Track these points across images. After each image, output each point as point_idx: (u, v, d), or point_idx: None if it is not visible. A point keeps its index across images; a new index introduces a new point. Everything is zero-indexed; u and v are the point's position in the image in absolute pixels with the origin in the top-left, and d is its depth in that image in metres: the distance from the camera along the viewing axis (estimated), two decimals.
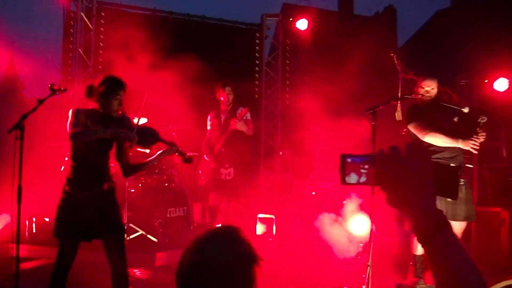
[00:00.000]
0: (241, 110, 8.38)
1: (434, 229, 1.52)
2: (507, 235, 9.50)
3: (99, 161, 5.16)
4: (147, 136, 5.21)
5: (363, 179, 1.66)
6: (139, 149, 5.43)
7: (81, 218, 5.04)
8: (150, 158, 5.33)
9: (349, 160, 1.67)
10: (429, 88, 6.95)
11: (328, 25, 10.38)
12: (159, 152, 5.27)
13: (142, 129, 5.26)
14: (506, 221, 9.54)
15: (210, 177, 8.39)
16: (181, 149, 5.35)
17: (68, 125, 4.94)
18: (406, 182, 1.56)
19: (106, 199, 5.15)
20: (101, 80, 5.20)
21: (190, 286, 2.14)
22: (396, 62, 8.07)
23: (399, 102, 7.21)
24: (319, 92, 9.83)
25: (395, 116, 7.32)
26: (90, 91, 5.21)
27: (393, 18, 28.16)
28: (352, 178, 1.67)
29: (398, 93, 7.84)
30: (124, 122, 5.26)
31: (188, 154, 5.48)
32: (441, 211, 1.55)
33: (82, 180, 5.09)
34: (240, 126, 8.28)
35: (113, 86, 5.16)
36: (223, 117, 8.51)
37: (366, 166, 1.66)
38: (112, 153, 5.25)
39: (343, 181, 1.67)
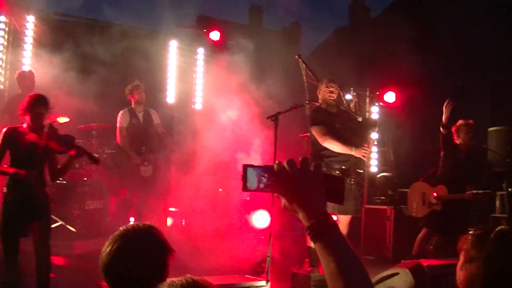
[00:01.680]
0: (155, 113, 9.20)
1: (323, 230, 1.68)
2: (392, 230, 10.22)
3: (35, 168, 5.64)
4: (69, 142, 5.77)
5: (262, 186, 1.77)
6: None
7: (17, 218, 5.54)
8: (66, 163, 5.91)
9: (250, 169, 1.78)
10: (333, 89, 7.36)
11: (238, 37, 10.85)
12: (70, 156, 5.82)
13: (65, 136, 5.81)
14: (391, 217, 10.28)
15: (129, 173, 8.93)
16: (88, 152, 5.96)
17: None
18: (300, 191, 1.72)
19: (37, 193, 5.64)
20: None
21: (111, 271, 2.55)
22: (301, 65, 8.64)
23: (306, 106, 7.72)
24: (230, 96, 10.29)
25: (295, 121, 7.86)
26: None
27: (297, 33, 29.09)
28: (252, 185, 1.78)
29: (305, 95, 8.37)
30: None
31: (94, 155, 6.18)
32: (329, 215, 1.72)
33: (18, 184, 5.57)
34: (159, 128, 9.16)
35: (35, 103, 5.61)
36: (139, 117, 9.14)
37: (266, 175, 1.77)
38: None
39: (244, 188, 1.78)
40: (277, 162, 1.76)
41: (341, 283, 1.63)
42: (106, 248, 2.56)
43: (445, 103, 8.22)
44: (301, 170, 1.74)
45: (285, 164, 1.74)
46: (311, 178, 1.74)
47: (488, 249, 2.33)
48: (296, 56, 8.87)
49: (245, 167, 1.79)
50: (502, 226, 2.49)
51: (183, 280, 1.60)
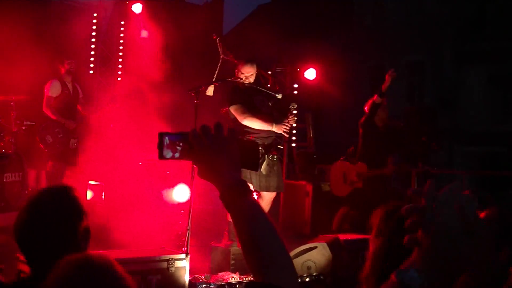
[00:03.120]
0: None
1: (237, 196, 1.66)
2: (310, 205, 10.42)
3: None
4: None
5: (177, 155, 1.76)
6: None
7: None
8: None
9: (166, 137, 1.76)
10: (248, 74, 7.29)
11: (161, 10, 10.69)
12: None
13: None
14: (310, 193, 10.46)
15: (57, 144, 8.81)
16: None
17: None
18: (214, 157, 1.70)
19: None
20: None
21: (26, 240, 2.41)
22: (218, 44, 8.63)
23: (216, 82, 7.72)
24: (149, 71, 10.17)
25: (218, 96, 7.85)
26: None
27: (220, 8, 28.97)
28: (168, 154, 1.76)
29: (218, 73, 8.38)
30: None
31: None
32: (245, 181, 1.71)
33: None
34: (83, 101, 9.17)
35: None
36: (69, 87, 9.06)
37: (181, 144, 1.76)
38: None
39: (160, 156, 1.77)
40: (192, 129, 1.74)
41: (254, 252, 1.64)
42: (17, 219, 2.42)
43: (389, 72, 8.42)
44: (215, 136, 1.73)
45: (200, 130, 1.73)
46: (225, 144, 1.72)
47: (390, 225, 2.39)
48: (214, 36, 8.83)
49: (161, 135, 1.76)
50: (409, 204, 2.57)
51: (79, 257, 1.54)
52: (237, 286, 6.12)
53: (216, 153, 1.70)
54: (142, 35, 11.01)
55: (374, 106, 8.62)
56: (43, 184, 9.15)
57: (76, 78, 9.42)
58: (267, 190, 7.30)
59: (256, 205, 1.69)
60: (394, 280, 1.29)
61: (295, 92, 12.00)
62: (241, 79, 7.34)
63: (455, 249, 1.26)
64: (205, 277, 6.34)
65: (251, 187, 6.46)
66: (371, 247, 2.57)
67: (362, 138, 8.78)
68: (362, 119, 8.89)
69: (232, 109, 7.28)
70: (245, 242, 1.65)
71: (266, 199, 7.34)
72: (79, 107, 9.28)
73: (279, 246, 1.66)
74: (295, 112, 7.28)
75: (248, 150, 1.80)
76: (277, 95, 7.49)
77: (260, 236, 1.64)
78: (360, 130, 8.79)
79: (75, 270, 1.48)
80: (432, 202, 1.27)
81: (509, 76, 24.08)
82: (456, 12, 25.18)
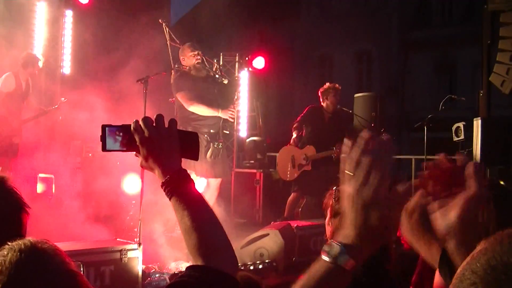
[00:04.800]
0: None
1: (177, 185, 1.72)
2: (261, 193, 10.56)
3: None
4: None
5: (120, 146, 1.80)
6: None
7: None
8: None
9: (109, 129, 1.80)
10: (192, 54, 7.38)
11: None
12: None
13: None
14: (260, 181, 10.61)
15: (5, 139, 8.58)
16: None
17: None
18: (154, 148, 1.76)
19: None
20: None
21: None
22: (165, 30, 8.61)
23: (172, 71, 7.72)
24: (100, 59, 10.05)
25: (166, 85, 7.83)
26: None
27: None
28: (111, 145, 1.80)
29: (169, 60, 8.36)
30: None
31: None
32: (185, 170, 1.77)
33: None
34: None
35: None
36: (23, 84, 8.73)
37: (122, 135, 1.80)
38: None
39: (104, 148, 1.80)
40: (134, 120, 1.79)
41: (194, 237, 1.68)
42: None
43: None
44: (156, 127, 1.78)
45: (140, 122, 1.78)
46: (165, 134, 1.77)
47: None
48: (160, 20, 8.81)
49: (104, 127, 1.80)
50: None
51: (22, 243, 1.50)
52: None
53: (157, 143, 1.76)
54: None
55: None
56: None
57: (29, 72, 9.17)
58: (214, 176, 7.42)
59: (195, 192, 1.76)
60: (322, 253, 1.36)
61: (244, 80, 12.04)
62: (188, 67, 7.41)
63: (371, 214, 1.35)
64: (158, 266, 6.36)
65: (193, 174, 6.52)
66: (331, 229, 2.65)
67: (306, 122, 8.89)
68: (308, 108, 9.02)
69: (179, 96, 7.33)
70: (185, 228, 1.70)
71: (212, 185, 7.48)
72: (32, 106, 9.00)
73: (219, 231, 1.73)
74: (240, 98, 7.35)
75: (188, 140, 1.85)
76: (223, 80, 7.61)
77: (200, 221, 1.70)
78: (303, 114, 8.88)
79: (19, 255, 1.48)
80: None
81: (454, 63, 24.64)
82: (402, 1, 25.61)
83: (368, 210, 1.34)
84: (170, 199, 1.73)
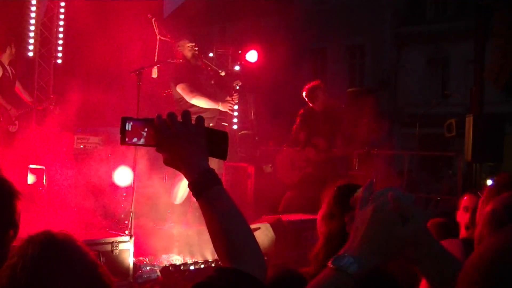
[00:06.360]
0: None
1: (205, 186, 1.65)
2: (252, 187, 10.56)
3: None
4: None
5: (142, 140, 1.73)
6: None
7: None
8: None
9: (129, 122, 1.72)
10: (193, 44, 7.34)
11: None
12: None
13: None
14: (252, 175, 10.62)
15: None
16: None
17: None
18: (181, 145, 1.68)
19: None
20: None
21: None
22: (154, 24, 8.57)
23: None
24: (94, 53, 10.01)
25: (159, 78, 7.79)
26: None
27: None
28: (132, 139, 1.73)
29: (158, 55, 8.32)
30: None
31: None
32: (213, 170, 1.70)
33: None
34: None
35: None
36: (9, 70, 8.68)
37: (146, 129, 1.72)
38: None
39: (123, 141, 1.73)
40: (157, 115, 1.72)
41: (223, 240, 1.63)
42: None
43: None
44: (182, 124, 1.71)
45: (166, 117, 1.71)
46: (192, 132, 1.71)
47: (343, 208, 2.46)
48: (149, 16, 8.77)
49: (124, 119, 1.73)
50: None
51: (42, 235, 1.52)
52: (181, 267, 6.15)
53: (184, 141, 1.69)
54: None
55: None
56: None
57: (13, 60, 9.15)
58: None
59: (225, 194, 1.69)
60: (331, 266, 1.35)
61: (237, 69, 11.99)
62: (180, 59, 7.37)
63: (389, 232, 1.34)
64: (149, 259, 6.36)
65: None
66: (324, 227, 2.62)
67: (303, 126, 8.79)
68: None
69: (180, 88, 7.23)
70: (214, 230, 1.65)
71: None
72: (22, 95, 8.96)
73: (248, 234, 1.68)
74: (238, 88, 7.33)
75: (216, 138, 1.78)
76: (220, 71, 7.59)
77: (230, 224, 1.64)
78: (298, 119, 8.77)
79: (40, 247, 1.48)
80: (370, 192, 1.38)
81: (447, 58, 24.67)
82: None
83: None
84: (197, 200, 1.68)
